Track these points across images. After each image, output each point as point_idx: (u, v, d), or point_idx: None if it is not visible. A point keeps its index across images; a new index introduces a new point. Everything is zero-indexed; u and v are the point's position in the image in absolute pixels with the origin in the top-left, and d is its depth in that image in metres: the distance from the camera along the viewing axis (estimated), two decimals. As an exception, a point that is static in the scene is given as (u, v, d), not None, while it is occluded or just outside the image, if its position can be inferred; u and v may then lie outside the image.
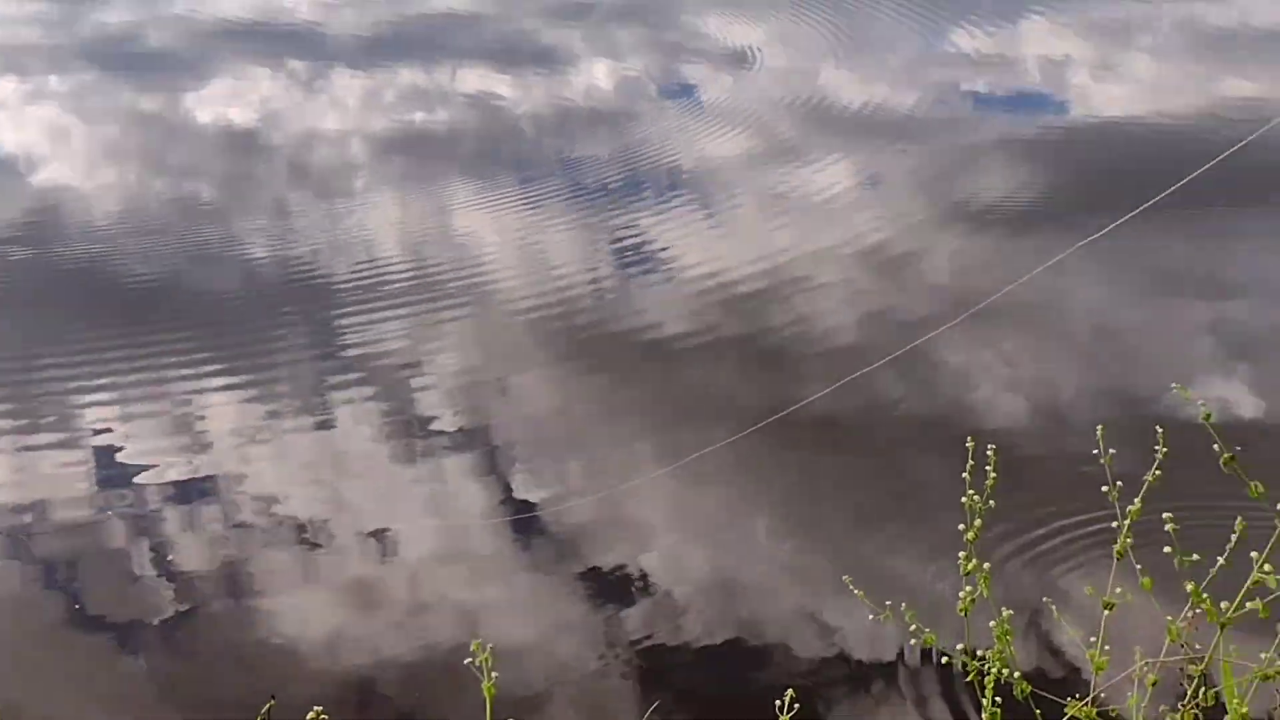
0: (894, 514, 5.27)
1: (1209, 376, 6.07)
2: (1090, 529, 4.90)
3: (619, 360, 6.63)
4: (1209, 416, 2.13)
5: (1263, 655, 2.13)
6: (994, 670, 2.28)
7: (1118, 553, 2.20)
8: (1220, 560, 2.06)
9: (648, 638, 4.74)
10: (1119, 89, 10.05)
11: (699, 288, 7.24)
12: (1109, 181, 8.22)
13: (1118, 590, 2.27)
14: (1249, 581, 2.03)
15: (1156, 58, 10.78)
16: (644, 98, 10.76)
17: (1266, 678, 2.07)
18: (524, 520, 5.39)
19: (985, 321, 6.57)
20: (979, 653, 2.31)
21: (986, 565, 2.31)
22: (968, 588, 2.31)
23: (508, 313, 7.17)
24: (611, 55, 11.93)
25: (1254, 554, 2.05)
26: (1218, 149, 8.46)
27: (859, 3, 12.77)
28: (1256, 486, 2.07)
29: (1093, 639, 2.25)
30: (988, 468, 2.34)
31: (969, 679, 2.32)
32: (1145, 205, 4.73)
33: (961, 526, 2.33)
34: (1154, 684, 2.26)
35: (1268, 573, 2.01)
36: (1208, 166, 4.79)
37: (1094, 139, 9.06)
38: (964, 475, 2.39)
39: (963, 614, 2.28)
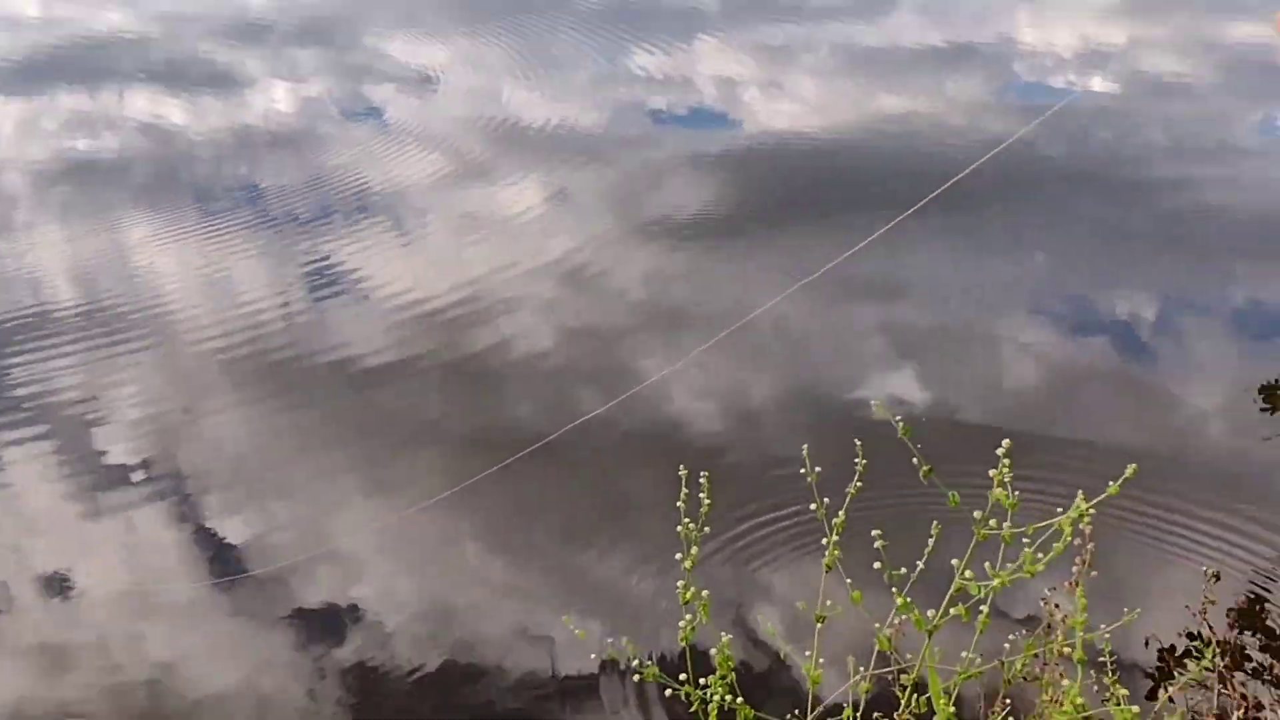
0: (606, 527, 5.40)
1: (886, 376, 6.47)
2: (785, 525, 5.18)
3: (317, 394, 6.49)
4: (908, 432, 2.28)
5: (964, 654, 2.29)
6: (717, 698, 2.34)
7: (826, 565, 2.32)
8: (919, 565, 2.21)
9: (359, 668, 4.69)
10: (789, 106, 10.61)
11: (397, 314, 7.17)
12: (789, 193, 8.72)
13: (829, 603, 2.38)
14: (951, 589, 2.18)
15: (819, 76, 11.45)
16: (328, 120, 10.55)
17: (969, 677, 2.25)
18: (227, 570, 5.21)
19: (687, 333, 6.85)
20: (701, 681, 2.34)
21: (706, 593, 2.34)
22: (688, 616, 2.33)
23: (193, 350, 6.89)
24: (293, 77, 11.63)
25: (955, 561, 2.20)
26: (878, 161, 9.18)
27: (539, 25, 12.96)
28: (954, 496, 2.24)
29: (807, 653, 2.35)
30: (702, 495, 2.38)
31: (693, 710, 2.35)
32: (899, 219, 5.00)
33: (679, 555, 2.36)
34: (867, 693, 2.39)
35: (969, 579, 2.17)
36: (947, 185, 5.13)
37: (772, 154, 9.51)
38: (678, 504, 2.40)
39: (684, 643, 2.29)
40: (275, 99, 11.05)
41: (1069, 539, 2.12)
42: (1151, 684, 4.10)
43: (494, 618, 4.94)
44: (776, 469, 5.56)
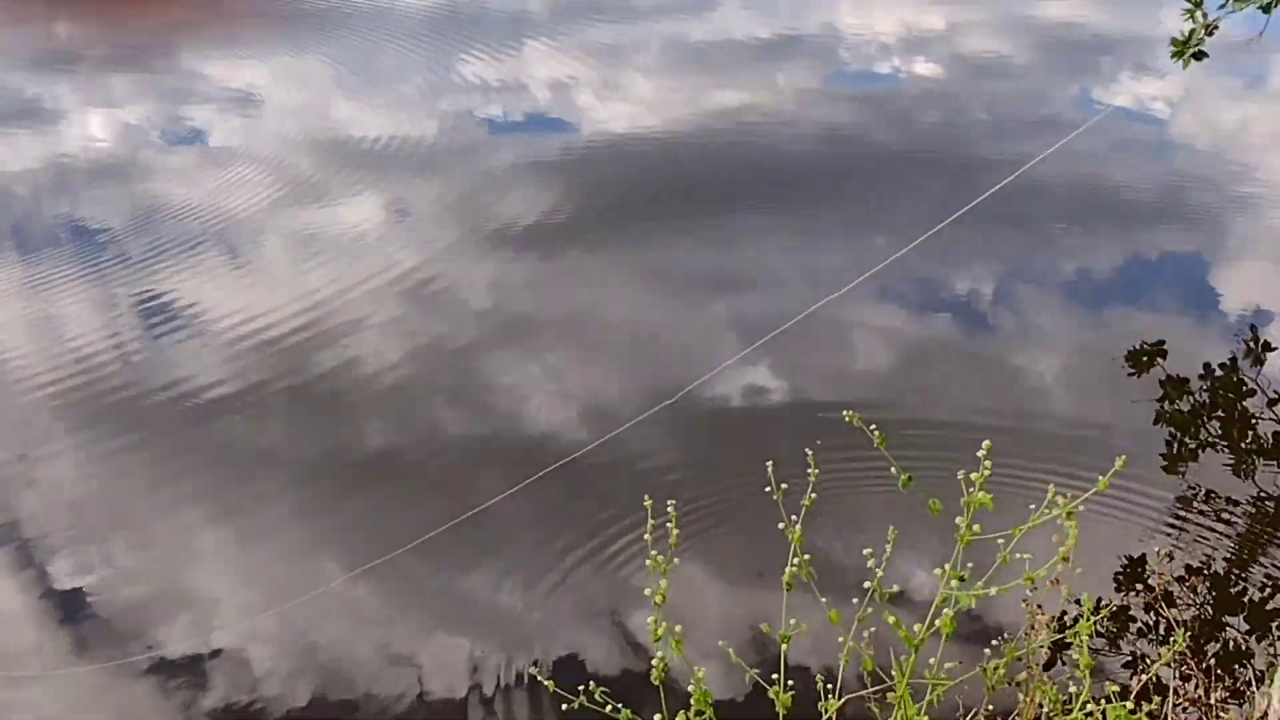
0: (459, 540, 5.29)
1: (737, 365, 6.48)
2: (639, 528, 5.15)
3: (155, 430, 6.23)
4: (883, 442, 2.31)
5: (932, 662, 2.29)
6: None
7: (787, 583, 2.32)
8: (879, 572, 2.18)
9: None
10: (624, 106, 10.62)
11: (236, 343, 6.94)
12: (628, 193, 8.71)
13: (793, 622, 2.36)
14: (937, 600, 2.16)
15: (651, 74, 11.48)
16: (150, 147, 10.17)
17: (937, 684, 2.23)
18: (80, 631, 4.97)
19: (530, 339, 6.77)
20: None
21: (679, 628, 2.31)
22: (660, 653, 2.31)
23: (23, 394, 6.57)
24: (110, 105, 11.20)
25: (939, 570, 2.18)
26: (716, 156, 9.23)
27: (362, 38, 12.72)
28: (935, 504, 2.25)
29: (774, 676, 2.31)
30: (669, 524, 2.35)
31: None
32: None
33: (648, 590, 2.32)
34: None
35: (954, 589, 2.14)
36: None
37: (610, 155, 9.49)
38: (647, 537, 2.38)
39: (657, 681, 2.29)
40: (92, 129, 10.62)
41: (1065, 555, 2.11)
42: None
43: (359, 643, 4.80)
44: (640, 464, 5.54)
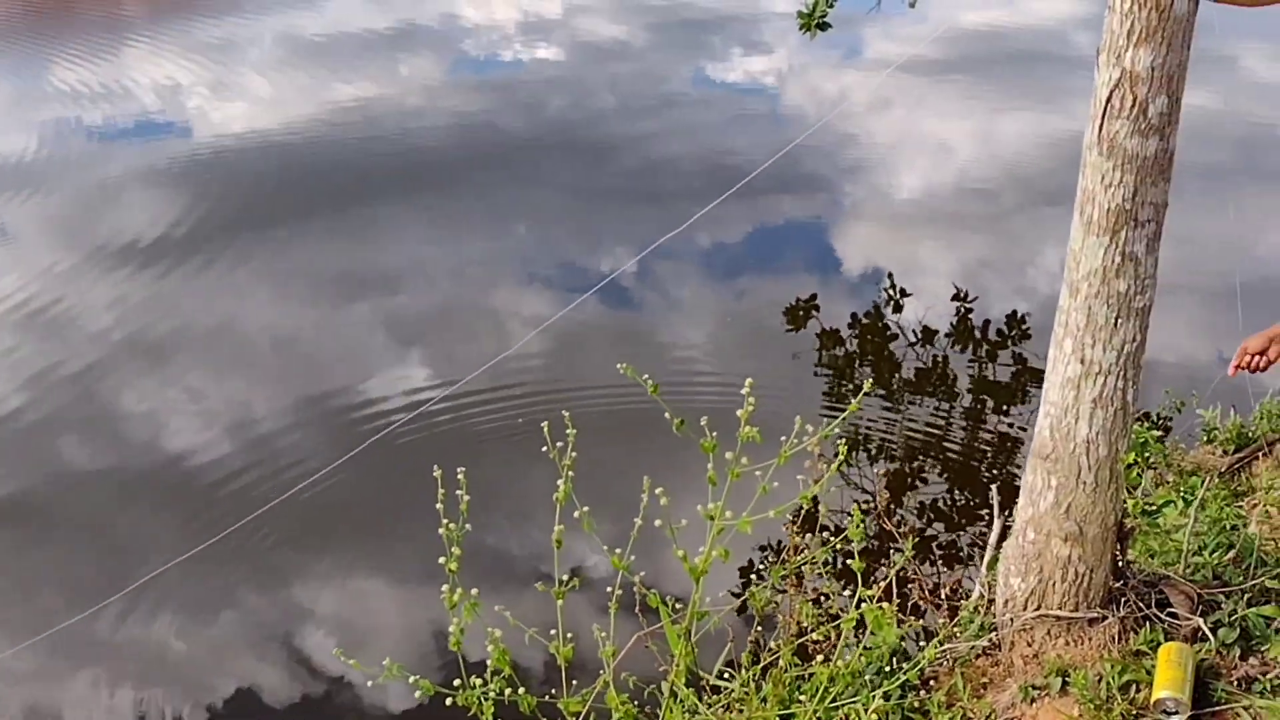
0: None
1: (396, 368, 6.32)
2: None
3: None
4: (655, 390, 2.45)
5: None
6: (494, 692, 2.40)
7: (556, 541, 2.39)
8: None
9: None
10: (243, 106, 10.11)
11: None
12: (254, 195, 8.28)
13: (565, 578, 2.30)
14: (713, 531, 2.16)
15: (269, 71, 11.00)
16: None
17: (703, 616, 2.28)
18: None
19: (168, 360, 6.33)
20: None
21: (475, 591, 2.36)
22: (456, 620, 2.35)
23: None
24: None
25: (700, 507, 2.16)
26: (342, 151, 8.95)
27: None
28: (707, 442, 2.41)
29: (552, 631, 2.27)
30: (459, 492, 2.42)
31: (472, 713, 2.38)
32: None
33: (442, 559, 2.37)
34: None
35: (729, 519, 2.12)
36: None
37: (237, 158, 9.00)
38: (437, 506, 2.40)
39: (455, 648, 2.36)
40: None
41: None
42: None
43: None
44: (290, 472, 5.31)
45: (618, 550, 2.72)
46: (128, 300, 6.96)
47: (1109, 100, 2.55)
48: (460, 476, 2.51)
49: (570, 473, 2.64)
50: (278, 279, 7.21)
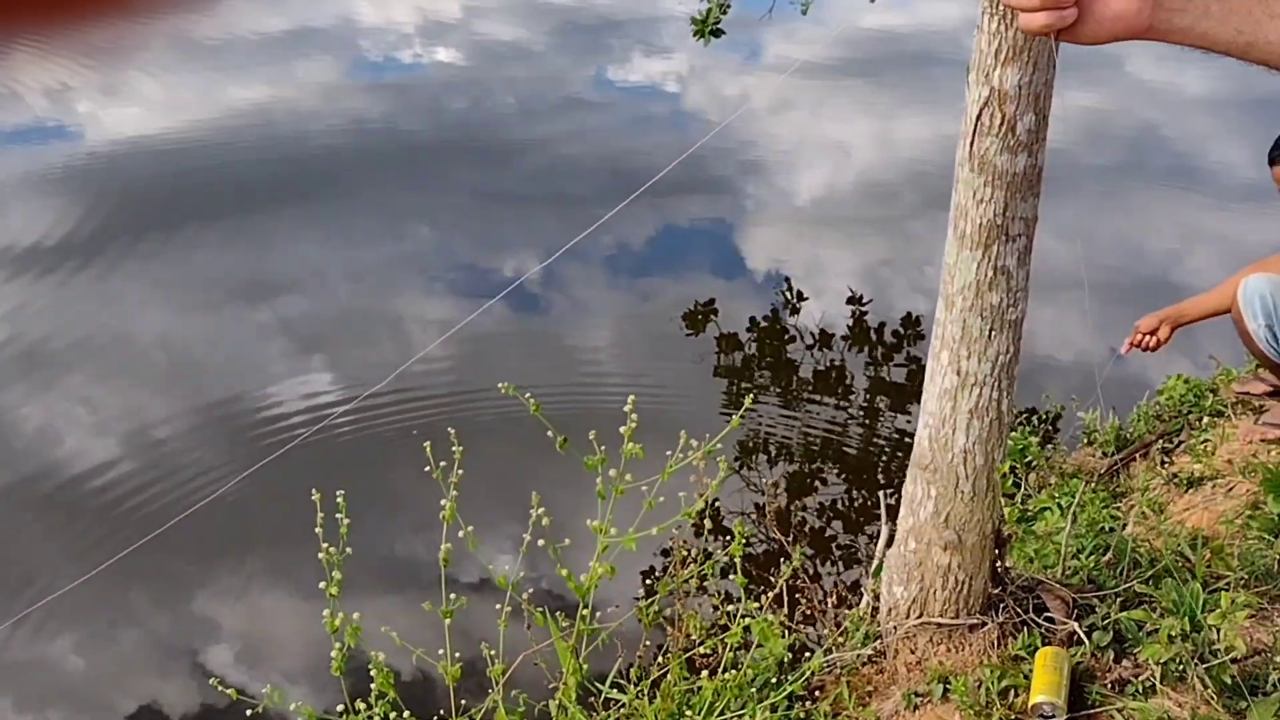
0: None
1: (298, 376, 6.24)
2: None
3: None
4: (538, 408, 2.49)
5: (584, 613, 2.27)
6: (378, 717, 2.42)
7: (443, 560, 2.29)
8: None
9: None
10: (134, 110, 9.88)
11: None
12: (153, 203, 8.11)
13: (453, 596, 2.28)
14: (599, 548, 2.16)
15: (159, 75, 10.76)
16: None
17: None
18: None
19: (59, 374, 6.18)
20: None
21: (357, 615, 2.36)
22: (338, 645, 2.32)
23: None
24: None
25: (590, 522, 2.17)
26: (237, 155, 8.80)
27: None
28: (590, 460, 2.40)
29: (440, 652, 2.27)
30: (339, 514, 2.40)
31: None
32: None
33: (322, 584, 2.35)
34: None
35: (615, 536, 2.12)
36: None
37: (130, 164, 8.78)
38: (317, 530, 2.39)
39: (337, 673, 2.33)
40: None
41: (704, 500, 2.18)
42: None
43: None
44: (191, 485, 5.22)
45: (505, 569, 2.72)
46: (19, 310, 6.77)
47: (979, 118, 2.60)
48: (339, 500, 2.49)
49: (455, 492, 2.64)
50: (174, 287, 7.06)
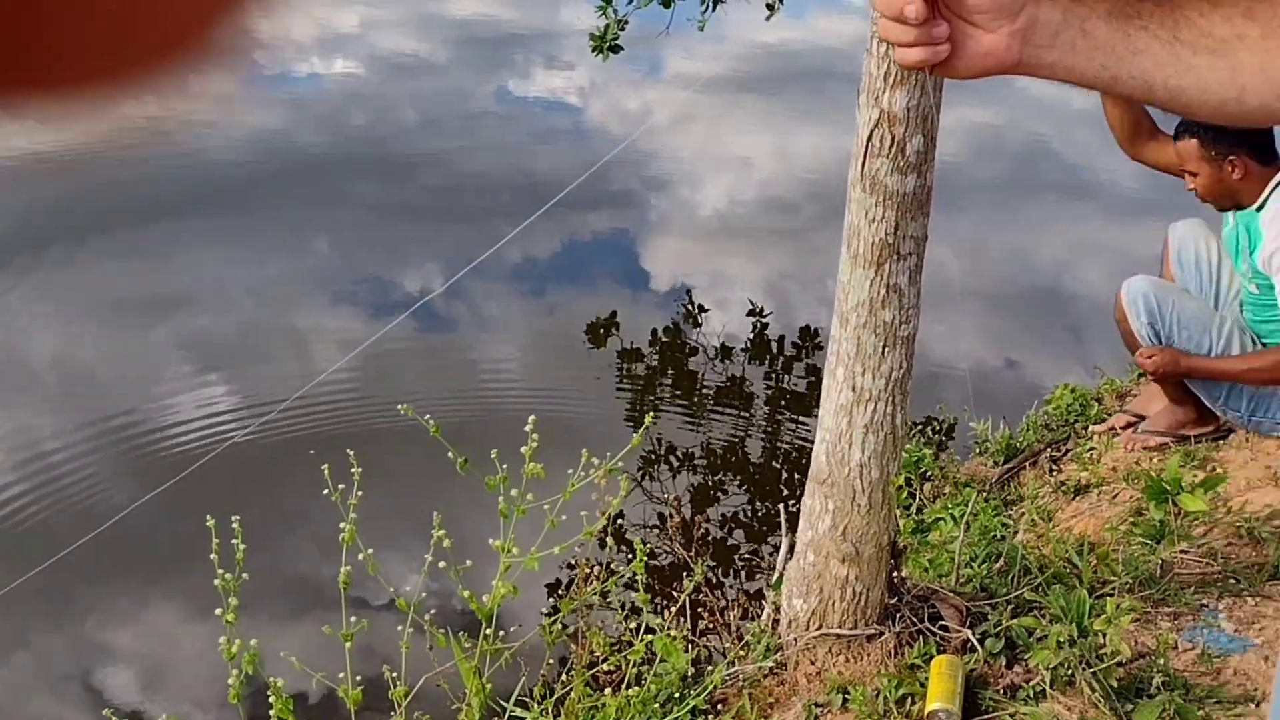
0: None
1: (197, 395, 6.14)
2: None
3: None
4: (437, 430, 2.51)
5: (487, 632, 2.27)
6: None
7: (343, 583, 2.27)
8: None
9: None
10: (22, 124, 9.60)
11: None
12: (42, 219, 7.92)
13: (353, 619, 2.27)
14: (502, 568, 2.16)
15: (49, 87, 10.50)
16: None
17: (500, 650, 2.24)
18: None
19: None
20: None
21: (255, 641, 2.32)
22: (235, 672, 2.30)
23: None
24: None
25: (493, 541, 2.17)
26: (131, 169, 8.63)
27: None
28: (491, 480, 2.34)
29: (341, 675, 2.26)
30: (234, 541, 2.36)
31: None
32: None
33: (218, 611, 2.34)
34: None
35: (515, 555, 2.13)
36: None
37: (14, 178, 8.54)
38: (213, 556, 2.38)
39: (234, 700, 2.31)
40: None
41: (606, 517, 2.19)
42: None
43: None
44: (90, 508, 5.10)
45: (407, 589, 2.73)
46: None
47: (869, 140, 2.67)
48: (235, 525, 2.48)
49: (354, 514, 2.64)
50: (68, 305, 6.90)
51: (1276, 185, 3.90)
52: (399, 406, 2.60)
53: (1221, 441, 4.28)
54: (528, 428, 2.51)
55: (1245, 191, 3.94)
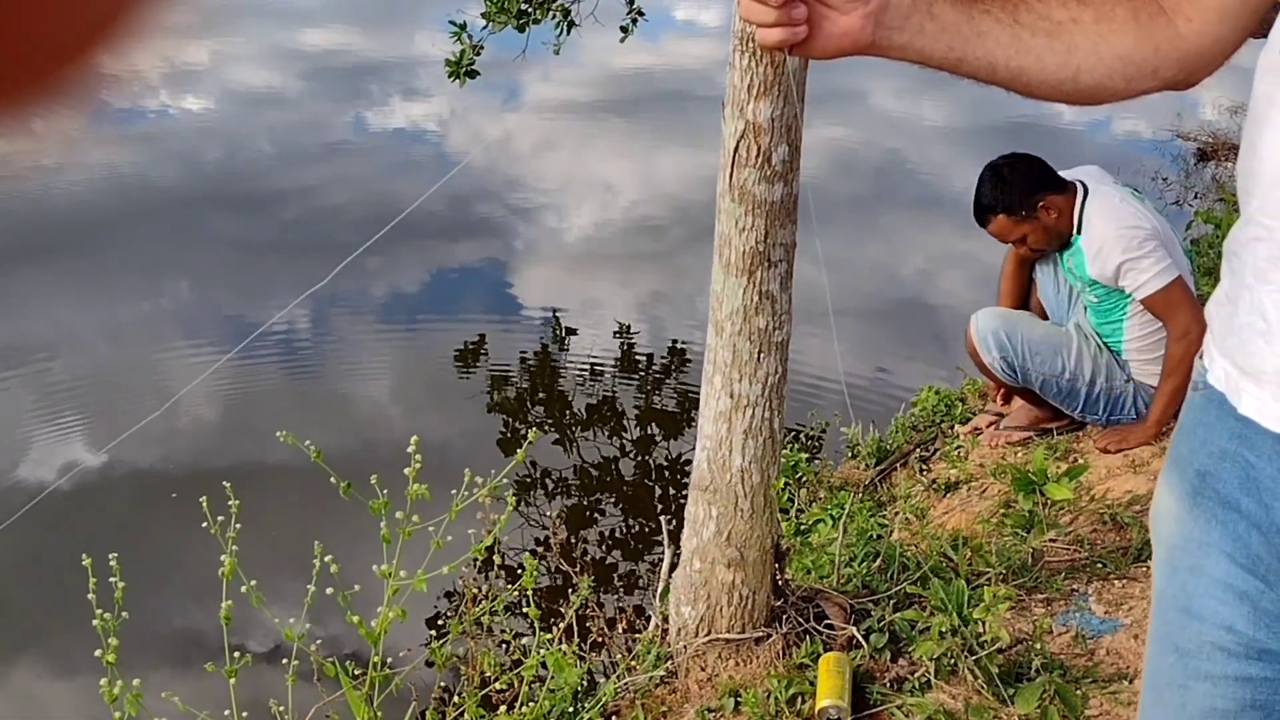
0: None
1: (55, 439, 5.94)
2: None
3: None
4: (319, 455, 2.46)
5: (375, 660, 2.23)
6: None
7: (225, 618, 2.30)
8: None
9: None
10: None
11: None
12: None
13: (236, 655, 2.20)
14: (388, 591, 2.12)
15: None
16: None
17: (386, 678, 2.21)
18: None
19: None
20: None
21: (137, 682, 2.28)
22: (118, 714, 2.27)
23: None
24: None
25: (377, 567, 2.12)
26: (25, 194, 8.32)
27: None
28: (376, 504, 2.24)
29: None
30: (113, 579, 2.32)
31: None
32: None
33: (98, 652, 2.28)
34: None
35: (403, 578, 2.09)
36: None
37: None
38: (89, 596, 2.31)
39: None
40: None
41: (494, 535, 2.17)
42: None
43: None
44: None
45: (291, 620, 2.68)
46: None
47: (736, 150, 2.72)
48: (113, 563, 2.41)
49: (234, 546, 2.59)
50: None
51: (1082, 205, 4.09)
52: (278, 433, 2.55)
53: (1079, 433, 4.46)
54: (410, 449, 2.49)
55: (1063, 225, 4.12)
